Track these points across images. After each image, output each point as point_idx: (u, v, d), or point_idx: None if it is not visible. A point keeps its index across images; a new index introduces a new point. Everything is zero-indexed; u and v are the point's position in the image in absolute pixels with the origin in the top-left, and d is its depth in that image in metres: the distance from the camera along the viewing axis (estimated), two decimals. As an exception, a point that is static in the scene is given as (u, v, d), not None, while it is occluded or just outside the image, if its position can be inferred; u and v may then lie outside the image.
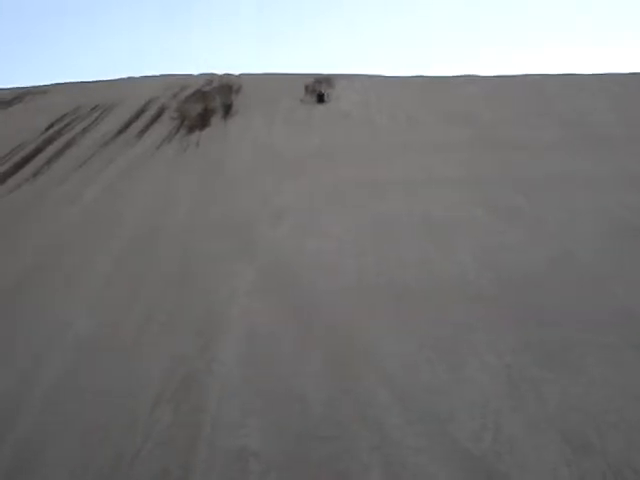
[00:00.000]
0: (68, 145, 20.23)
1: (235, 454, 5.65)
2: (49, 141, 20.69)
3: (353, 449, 5.55)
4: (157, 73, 33.39)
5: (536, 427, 5.57)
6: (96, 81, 31.99)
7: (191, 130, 21.35)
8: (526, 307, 7.72)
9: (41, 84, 31.66)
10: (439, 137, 17.26)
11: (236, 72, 31.98)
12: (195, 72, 32.63)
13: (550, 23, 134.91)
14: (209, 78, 30.38)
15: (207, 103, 25.05)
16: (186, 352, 7.51)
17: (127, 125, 22.44)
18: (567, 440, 5.35)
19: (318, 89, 26.06)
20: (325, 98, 22.59)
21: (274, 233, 11.37)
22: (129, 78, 32.56)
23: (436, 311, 7.89)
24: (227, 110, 24.02)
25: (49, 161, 18.51)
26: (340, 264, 9.71)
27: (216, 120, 22.68)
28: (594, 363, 6.45)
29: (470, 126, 18.18)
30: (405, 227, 10.93)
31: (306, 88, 26.58)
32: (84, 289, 9.72)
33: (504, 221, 10.74)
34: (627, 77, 23.73)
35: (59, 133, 21.64)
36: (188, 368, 7.15)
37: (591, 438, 5.34)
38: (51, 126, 22.46)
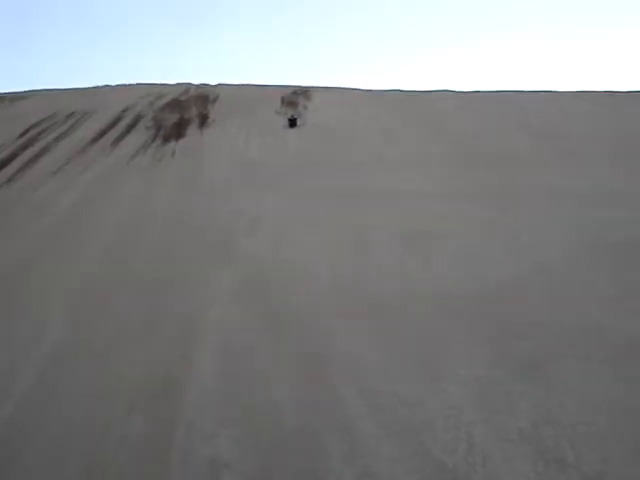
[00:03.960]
0: (43, 151, 20.14)
1: (208, 464, 5.63)
2: (25, 147, 20.58)
3: (326, 460, 5.55)
4: (133, 81, 33.36)
5: (509, 440, 5.61)
6: (73, 88, 31.84)
7: (167, 140, 21.34)
8: (500, 319, 7.78)
9: (18, 90, 31.50)
10: (415, 150, 17.44)
11: (213, 82, 32.08)
12: (172, 81, 32.66)
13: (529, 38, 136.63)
14: (186, 87, 30.41)
15: (183, 113, 25.07)
16: (161, 360, 7.48)
17: (103, 133, 22.39)
18: (540, 453, 5.37)
19: (295, 101, 26.21)
20: (297, 122, 22.41)
21: (250, 243, 11.41)
22: (105, 86, 32.50)
23: (412, 322, 7.93)
24: (203, 120, 24.05)
25: (24, 167, 18.39)
26: (316, 274, 9.75)
27: (192, 130, 22.71)
28: (567, 376, 6.49)
29: (446, 140, 18.40)
30: (382, 238, 11.01)
31: (282, 100, 26.71)
32: (58, 296, 9.67)
33: (479, 234, 10.85)
34: (602, 95, 24.15)
35: (35, 139, 21.53)
36: (163, 376, 7.12)
37: (564, 451, 5.36)
38: (27, 132, 22.34)
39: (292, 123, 22.57)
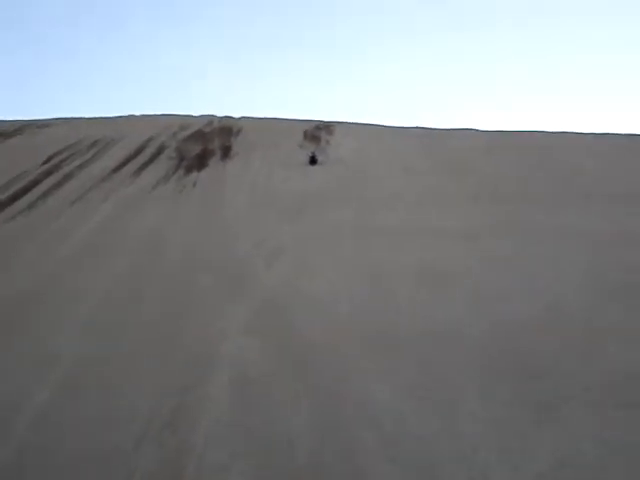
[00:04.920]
0: (65, 179, 20.30)
1: (218, 498, 5.52)
2: (47, 174, 20.76)
3: (338, 501, 5.43)
4: (158, 112, 33.75)
5: (526, 483, 5.46)
6: (97, 117, 32.29)
7: (189, 170, 21.45)
8: (517, 359, 7.63)
9: (42, 118, 31.93)
10: (436, 188, 17.36)
11: (236, 115, 32.37)
12: (196, 113, 33.00)
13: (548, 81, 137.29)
14: (209, 119, 30.70)
15: (206, 144, 25.24)
16: (174, 390, 7.37)
17: (125, 162, 22.56)
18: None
19: (317, 135, 26.31)
20: (318, 160, 22.06)
21: (268, 274, 11.32)
22: (129, 116, 32.88)
23: (428, 360, 7.79)
24: (226, 152, 24.17)
25: (45, 194, 18.53)
26: (333, 308, 9.63)
27: (214, 161, 22.84)
28: (584, 419, 6.34)
29: (466, 178, 18.32)
30: (400, 274, 10.87)
31: (305, 134, 26.83)
32: (73, 323, 9.59)
33: (497, 272, 10.68)
34: (621, 137, 24.04)
35: (57, 167, 21.73)
36: (175, 406, 7.02)
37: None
38: (50, 159, 22.55)
39: (313, 160, 22.20)
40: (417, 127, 28.76)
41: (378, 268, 11.26)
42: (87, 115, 36.04)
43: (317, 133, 26.94)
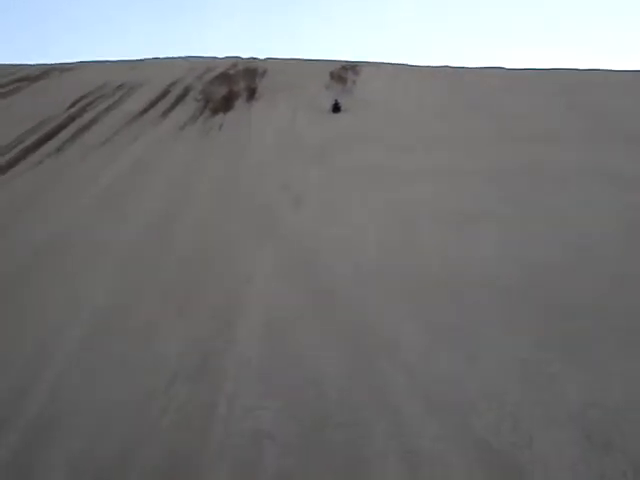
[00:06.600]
0: (92, 122, 20.27)
1: (250, 436, 5.62)
2: (73, 118, 20.74)
3: (369, 435, 5.50)
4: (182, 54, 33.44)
5: (555, 422, 5.49)
6: (122, 60, 32.05)
7: (215, 112, 21.31)
8: (546, 300, 7.61)
9: (67, 61, 31.78)
10: (464, 128, 17.10)
11: (261, 56, 31.95)
12: (220, 55, 32.64)
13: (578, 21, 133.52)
14: (234, 61, 30.31)
15: (231, 86, 25.00)
16: (203, 333, 7.47)
17: (152, 105, 22.44)
18: (587, 436, 5.26)
19: (344, 76, 25.93)
20: (341, 107, 21.34)
21: (295, 217, 11.32)
22: (154, 59, 32.59)
23: (455, 301, 7.81)
24: (251, 94, 23.95)
25: (72, 138, 18.54)
26: (361, 251, 9.63)
27: (240, 103, 22.63)
28: (614, 359, 6.35)
29: (496, 118, 18.01)
30: (428, 216, 10.81)
31: (331, 75, 26.45)
32: (101, 268, 9.69)
33: (527, 214, 10.57)
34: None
35: (83, 110, 21.68)
36: (205, 349, 7.12)
37: (612, 435, 5.25)
38: (76, 103, 22.51)
39: (336, 108, 21.29)
40: (444, 66, 28.20)
41: (406, 210, 11.20)
42: (111, 58, 35.82)
43: (343, 74, 26.53)
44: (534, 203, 11.09)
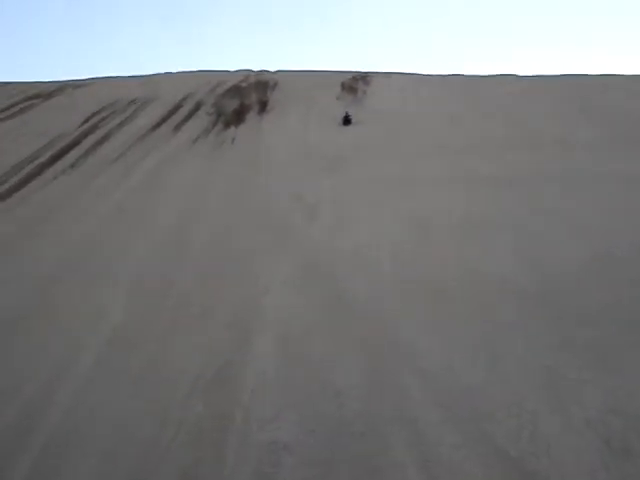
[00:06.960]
0: (105, 138, 20.41)
1: (267, 447, 5.57)
2: (86, 134, 20.89)
3: (388, 446, 5.44)
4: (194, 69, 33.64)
5: (574, 429, 5.42)
6: (134, 76, 32.27)
7: (227, 126, 21.41)
8: (565, 306, 7.53)
9: (80, 78, 32.04)
10: (479, 136, 17.06)
11: (272, 69, 32.10)
12: (231, 68, 32.81)
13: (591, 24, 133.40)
14: (245, 74, 30.46)
15: (243, 99, 25.11)
16: (220, 344, 7.46)
17: (164, 119, 22.59)
18: (606, 443, 5.18)
19: (354, 87, 25.97)
20: (351, 120, 21.13)
21: (309, 229, 11.29)
22: (166, 73, 32.80)
23: (473, 309, 7.74)
24: (263, 107, 24.05)
25: (86, 153, 18.68)
26: (375, 260, 9.58)
27: (252, 116, 22.74)
28: (633, 365, 6.27)
29: (510, 125, 17.97)
30: (444, 224, 10.75)
31: (342, 85, 26.52)
32: (118, 281, 9.72)
33: (544, 220, 10.51)
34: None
35: (96, 126, 21.84)
36: (222, 360, 7.10)
37: (631, 441, 5.17)
38: (89, 119, 22.68)
39: (347, 120, 20.96)
40: (455, 74, 28.22)
41: (421, 218, 11.16)
42: (123, 74, 36.08)
43: (354, 84, 26.59)
44: (551, 209, 11.01)
